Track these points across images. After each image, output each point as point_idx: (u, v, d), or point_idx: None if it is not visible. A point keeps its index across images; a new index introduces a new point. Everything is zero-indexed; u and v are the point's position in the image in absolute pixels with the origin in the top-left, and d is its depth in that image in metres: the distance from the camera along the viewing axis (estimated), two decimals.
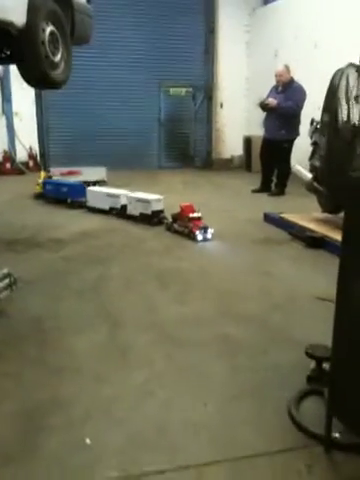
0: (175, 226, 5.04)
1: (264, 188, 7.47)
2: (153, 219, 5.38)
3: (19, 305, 3.23)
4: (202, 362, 2.55)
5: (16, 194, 7.37)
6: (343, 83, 2.89)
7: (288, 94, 7.00)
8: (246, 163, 10.21)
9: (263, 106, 7.17)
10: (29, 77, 4.23)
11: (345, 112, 2.99)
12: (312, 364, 2.38)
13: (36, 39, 3.82)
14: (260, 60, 10.09)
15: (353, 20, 7.16)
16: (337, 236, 4.52)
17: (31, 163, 9.61)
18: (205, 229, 4.78)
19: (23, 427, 2.00)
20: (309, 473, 1.76)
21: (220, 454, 1.85)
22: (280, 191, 7.29)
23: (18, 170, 9.33)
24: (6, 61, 4.70)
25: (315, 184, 4.95)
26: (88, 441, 1.91)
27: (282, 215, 5.36)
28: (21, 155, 9.63)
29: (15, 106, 9.61)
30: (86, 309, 3.21)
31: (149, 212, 5.42)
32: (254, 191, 7.52)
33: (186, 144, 10.94)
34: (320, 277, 3.88)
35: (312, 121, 5.19)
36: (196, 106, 10.77)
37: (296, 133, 7.10)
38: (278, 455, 1.86)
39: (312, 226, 4.89)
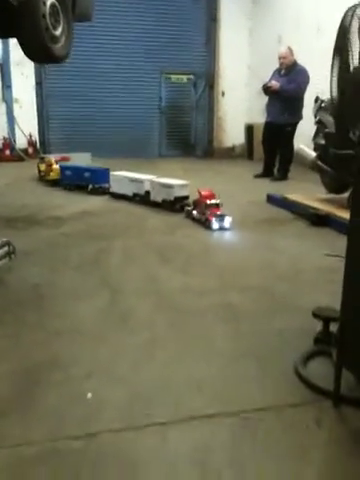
0: (194, 213, 4.65)
1: (266, 173, 7.38)
2: (175, 206, 4.97)
3: (18, 274, 3.16)
4: (205, 327, 2.49)
5: (16, 178, 7.29)
6: (355, 23, 2.78)
7: (291, 77, 6.91)
8: (248, 151, 10.12)
9: (266, 89, 7.08)
10: (29, 50, 4.14)
11: (357, 55, 2.83)
12: (319, 327, 2.32)
13: (37, 11, 3.75)
14: (263, 47, 9.98)
15: (355, 2, 7.05)
16: (342, 214, 4.46)
17: (30, 150, 9.50)
18: (222, 217, 4.37)
19: (20, 384, 1.94)
20: (318, 426, 1.70)
21: (226, 407, 1.78)
22: (283, 176, 7.20)
23: (17, 157, 9.23)
24: (7, 34, 4.63)
25: (319, 163, 4.88)
26: (89, 395, 1.85)
27: (285, 195, 5.28)
28: (21, 142, 9.53)
29: (15, 93, 9.49)
30: (86, 279, 3.14)
31: (171, 198, 5.00)
32: (256, 176, 7.43)
33: (187, 132, 10.83)
34: (323, 251, 3.82)
35: (316, 99, 5.12)
36: (197, 94, 10.65)
37: (299, 117, 7.01)
38: (286, 409, 1.80)
39: (316, 205, 4.82)
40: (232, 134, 10.62)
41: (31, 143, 9.56)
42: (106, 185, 5.90)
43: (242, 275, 3.35)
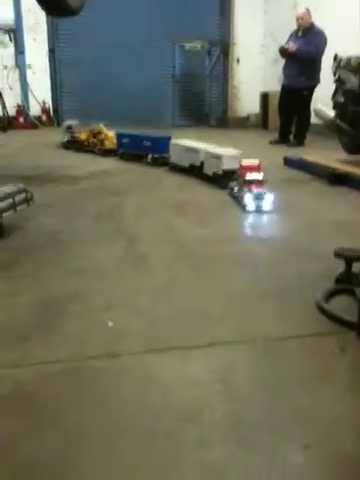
0: (235, 190, 3.92)
1: (282, 139, 7.27)
2: (223, 180, 4.20)
3: (35, 222, 3.16)
4: (223, 270, 2.47)
5: (30, 144, 7.27)
6: None
7: (308, 38, 6.74)
8: (263, 121, 9.96)
9: (282, 51, 6.92)
10: (45, 2, 4.10)
11: None
12: (340, 269, 2.29)
13: None
14: (279, 13, 9.72)
15: None
16: None
17: (44, 117, 9.46)
18: (260, 195, 3.51)
19: (41, 313, 1.94)
20: (342, 353, 1.68)
21: (247, 336, 1.77)
22: (299, 142, 7.08)
23: (31, 124, 9.19)
24: None
25: (338, 122, 4.77)
26: (110, 324, 1.85)
27: (303, 156, 5.19)
28: (34, 109, 9.48)
29: (28, 59, 9.41)
30: (103, 228, 3.13)
31: (220, 171, 4.27)
32: (272, 143, 7.32)
33: (201, 102, 10.67)
34: (342, 207, 3.79)
35: (335, 57, 4.98)
36: (211, 62, 10.45)
37: (316, 80, 6.86)
38: (309, 338, 1.78)
39: (334, 165, 4.73)
40: (247, 103, 10.44)
41: (45, 110, 9.51)
42: (166, 155, 5.27)
43: (260, 227, 3.33)
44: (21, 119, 9.23)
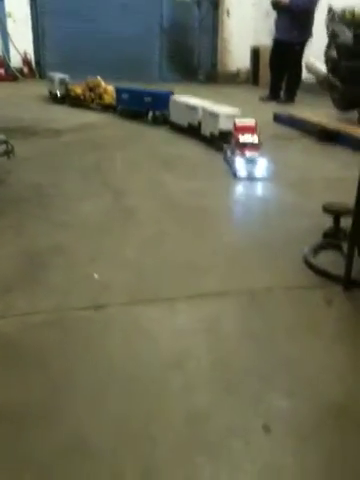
0: (228, 154, 3.53)
1: (273, 96, 7.10)
2: (220, 142, 3.78)
3: (18, 176, 3.07)
4: (211, 223, 2.45)
5: (11, 95, 7.01)
6: None
7: None
8: (253, 76, 9.71)
9: (275, 3, 6.66)
10: None
11: None
12: (328, 225, 2.28)
13: None
14: None
15: None
16: (351, 129, 4.32)
17: (25, 69, 9.09)
18: (253, 160, 3.19)
19: (24, 265, 1.91)
20: (328, 305, 1.69)
21: (234, 287, 1.76)
22: (289, 98, 6.93)
23: (12, 76, 8.84)
24: None
25: (330, 77, 4.65)
26: (96, 276, 1.82)
27: (293, 113, 5.09)
28: (15, 60, 9.08)
29: (8, 6, 8.93)
30: (89, 182, 3.05)
31: (216, 132, 3.86)
32: (262, 99, 7.16)
33: (189, 55, 10.32)
34: (331, 164, 3.74)
35: (329, 9, 4.80)
36: (201, 14, 10.05)
37: (309, 34, 6.65)
38: (296, 291, 1.78)
39: (325, 122, 4.65)
40: (237, 57, 10.13)
41: (26, 62, 9.12)
42: (168, 112, 4.87)
43: (249, 184, 3.29)
44: (1, 71, 8.85)
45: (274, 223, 2.50)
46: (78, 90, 6.06)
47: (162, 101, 4.92)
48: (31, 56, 9.24)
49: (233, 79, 10.10)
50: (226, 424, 1.15)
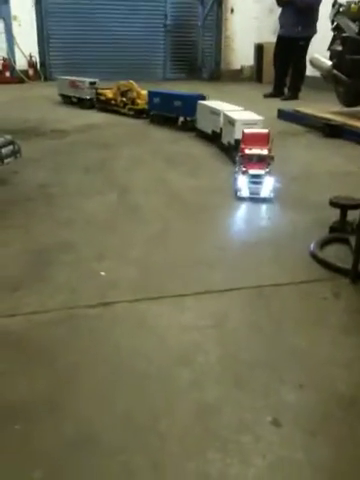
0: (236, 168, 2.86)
1: (277, 92, 7.08)
2: (234, 152, 3.20)
3: (24, 176, 3.09)
4: (216, 218, 2.44)
5: (17, 98, 7.04)
6: None
7: None
8: (257, 73, 9.70)
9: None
10: None
11: None
12: (334, 218, 2.27)
13: None
14: None
15: None
16: (356, 124, 4.30)
17: (31, 72, 9.13)
18: (258, 178, 2.68)
19: (31, 263, 1.91)
20: (336, 298, 1.68)
21: (241, 283, 1.76)
22: (293, 95, 6.90)
23: (18, 79, 8.88)
24: None
25: (335, 71, 4.62)
26: (103, 273, 1.82)
27: (297, 108, 5.07)
28: (20, 63, 9.13)
29: (13, 10, 8.98)
30: (94, 180, 3.07)
31: (233, 141, 3.39)
32: (266, 96, 7.14)
33: (193, 53, 10.30)
34: (337, 159, 3.73)
35: (334, 2, 4.78)
36: (205, 11, 10.03)
37: (313, 30, 6.62)
38: (303, 285, 1.77)
39: (329, 117, 4.63)
40: (241, 55, 10.12)
41: (31, 64, 9.17)
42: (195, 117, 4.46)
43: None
44: (7, 73, 8.90)
45: (281, 217, 2.50)
46: (109, 94, 5.68)
47: (190, 105, 4.45)
48: (36, 58, 9.28)
49: (237, 76, 10.08)
50: (236, 418, 1.14)
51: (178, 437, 1.09)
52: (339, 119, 4.51)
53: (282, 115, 5.32)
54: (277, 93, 7.09)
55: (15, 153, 2.96)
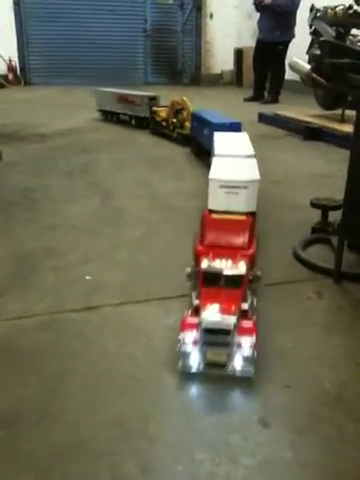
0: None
1: (257, 96, 7.17)
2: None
3: (6, 181, 3.06)
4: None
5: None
6: None
7: None
8: (237, 78, 9.79)
9: (257, 4, 6.73)
10: None
11: None
12: (316, 219, 2.30)
13: None
14: None
15: None
16: (335, 126, 4.37)
17: (11, 76, 9.06)
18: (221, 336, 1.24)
19: (15, 268, 1.89)
20: (319, 298, 1.70)
21: None
22: (273, 99, 6.99)
23: None
24: None
25: (314, 75, 4.69)
26: (88, 278, 1.82)
27: (278, 112, 5.14)
28: (0, 67, 9.04)
29: None
30: (77, 185, 3.05)
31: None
32: (246, 100, 7.23)
33: (173, 58, 10.37)
34: (317, 161, 3.78)
35: (312, 7, 4.86)
36: (184, 16, 10.11)
37: (291, 34, 6.73)
38: (286, 285, 1.79)
39: (309, 120, 4.70)
40: (221, 59, 10.22)
41: (11, 68, 9.09)
42: None
43: None
44: None
45: (264, 218, 2.51)
46: (163, 113, 4.56)
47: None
48: (16, 62, 9.21)
49: (217, 81, 10.17)
50: (224, 419, 1.15)
51: (167, 440, 1.09)
52: (318, 122, 4.58)
53: (262, 118, 5.39)
54: (257, 97, 7.18)
55: None
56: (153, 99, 4.90)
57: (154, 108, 4.69)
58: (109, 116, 5.38)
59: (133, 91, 5.23)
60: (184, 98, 4.26)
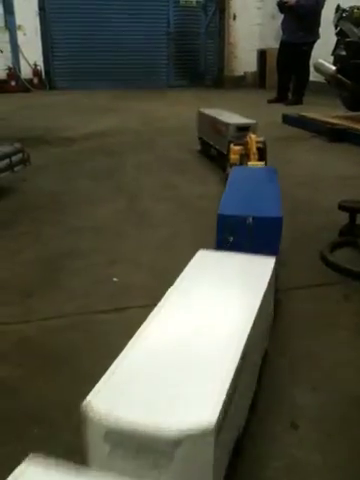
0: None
1: (280, 98, 7.12)
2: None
3: (33, 183, 3.12)
4: None
5: (21, 106, 7.11)
6: None
7: None
8: (260, 79, 9.74)
9: (281, 5, 6.69)
10: None
11: None
12: (343, 222, 2.28)
13: None
14: None
15: None
16: None
17: (36, 80, 9.21)
18: None
19: (43, 270, 1.93)
20: (347, 301, 1.69)
21: None
22: (297, 100, 6.94)
23: (23, 87, 8.96)
24: None
25: (339, 76, 4.64)
26: (115, 279, 1.84)
27: (302, 113, 5.10)
28: (25, 72, 9.21)
29: (18, 19, 9.07)
30: (102, 187, 3.09)
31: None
32: (270, 101, 7.18)
33: (196, 60, 10.37)
34: (343, 162, 3.75)
35: (338, 7, 4.81)
36: (207, 18, 10.11)
37: (316, 35, 6.66)
38: (314, 288, 1.78)
39: (334, 121, 4.65)
40: (244, 61, 10.18)
41: (36, 73, 9.25)
42: None
43: None
44: (13, 82, 8.98)
45: (290, 221, 2.48)
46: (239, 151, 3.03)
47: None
48: (41, 67, 9.36)
49: (240, 83, 10.13)
50: (251, 420, 1.15)
51: None
52: (344, 123, 4.53)
53: (287, 120, 5.35)
54: (281, 98, 7.13)
55: (24, 161, 2.99)
56: (244, 129, 3.17)
57: (232, 145, 2.94)
58: (205, 147, 3.94)
59: (222, 114, 3.75)
60: (251, 135, 2.87)
